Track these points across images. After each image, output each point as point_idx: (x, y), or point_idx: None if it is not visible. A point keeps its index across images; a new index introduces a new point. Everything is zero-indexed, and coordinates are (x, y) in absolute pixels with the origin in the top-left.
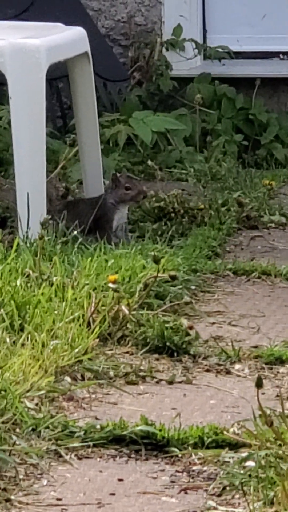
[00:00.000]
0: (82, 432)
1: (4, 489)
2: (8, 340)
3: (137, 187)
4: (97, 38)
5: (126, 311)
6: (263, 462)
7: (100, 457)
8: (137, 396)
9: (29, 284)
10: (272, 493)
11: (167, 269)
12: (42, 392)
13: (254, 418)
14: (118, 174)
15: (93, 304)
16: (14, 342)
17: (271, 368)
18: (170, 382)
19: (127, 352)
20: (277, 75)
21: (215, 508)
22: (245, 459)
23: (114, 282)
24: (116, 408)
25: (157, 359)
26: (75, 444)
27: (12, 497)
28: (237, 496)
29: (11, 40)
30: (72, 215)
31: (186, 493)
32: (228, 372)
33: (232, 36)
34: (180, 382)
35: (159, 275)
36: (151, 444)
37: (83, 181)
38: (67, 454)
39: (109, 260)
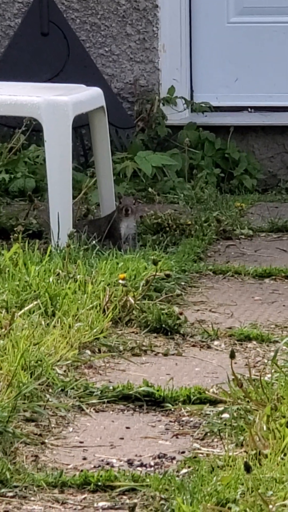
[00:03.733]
0: (99, 392)
1: (40, 435)
2: (43, 322)
3: (125, 202)
4: (110, 96)
5: (132, 301)
6: (235, 414)
7: (113, 411)
8: (140, 365)
9: (59, 281)
10: (242, 438)
11: (163, 270)
12: (69, 361)
13: (228, 381)
14: (125, 196)
15: (107, 296)
16: (47, 324)
17: (241, 344)
18: (165, 354)
19: (133, 332)
20: (246, 124)
21: (199, 449)
22: (222, 412)
23: (123, 279)
24: (124, 374)
25: (155, 337)
26: (94, 401)
27: (46, 440)
28: (215, 440)
29: (46, 97)
30: (91, 229)
31: (177, 437)
32: (209, 347)
33: (212, 94)
34: (172, 355)
35: (157, 274)
36: (151, 401)
37: (100, 204)
38: (87, 408)
39: (119, 263)
